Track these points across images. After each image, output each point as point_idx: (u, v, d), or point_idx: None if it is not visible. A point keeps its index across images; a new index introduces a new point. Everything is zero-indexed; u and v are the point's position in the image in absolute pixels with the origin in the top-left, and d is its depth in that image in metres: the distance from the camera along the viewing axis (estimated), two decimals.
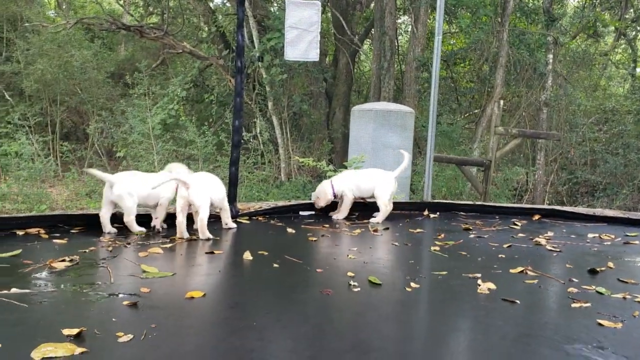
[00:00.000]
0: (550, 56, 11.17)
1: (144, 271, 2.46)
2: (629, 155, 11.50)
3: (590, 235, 3.64)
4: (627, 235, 3.63)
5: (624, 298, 2.28)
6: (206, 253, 2.89)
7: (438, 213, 4.51)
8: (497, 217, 4.36)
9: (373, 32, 13.39)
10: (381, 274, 2.55)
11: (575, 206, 11.29)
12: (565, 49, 12.50)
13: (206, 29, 14.26)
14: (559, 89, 11.60)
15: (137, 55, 15.30)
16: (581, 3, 13.83)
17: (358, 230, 3.72)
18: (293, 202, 4.63)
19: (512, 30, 10.69)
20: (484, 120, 11.21)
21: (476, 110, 13.64)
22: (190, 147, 10.05)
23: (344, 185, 4.19)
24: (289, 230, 3.64)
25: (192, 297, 2.12)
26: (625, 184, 11.40)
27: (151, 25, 13.71)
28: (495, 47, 10.66)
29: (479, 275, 2.56)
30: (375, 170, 4.43)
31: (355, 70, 15.29)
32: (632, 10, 13.82)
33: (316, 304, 2.15)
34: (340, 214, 4.17)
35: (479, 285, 2.40)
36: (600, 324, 1.95)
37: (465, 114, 14.28)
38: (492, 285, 2.39)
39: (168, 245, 3.04)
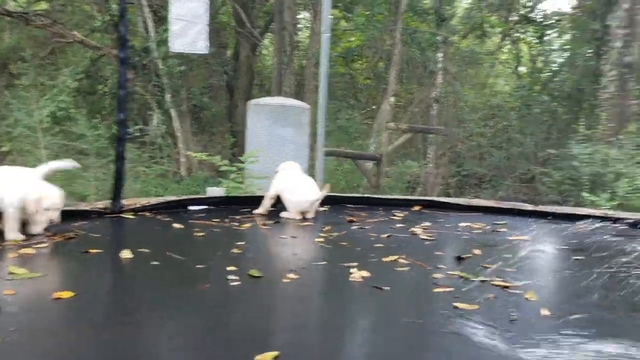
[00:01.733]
0: (441, 55, 11.77)
1: (11, 273, 2.35)
2: (511, 149, 12.37)
3: (462, 225, 3.90)
4: (496, 224, 3.94)
5: (483, 282, 2.49)
6: (82, 252, 2.81)
7: (328, 206, 4.63)
8: (381, 209, 4.55)
9: (273, 26, 13.43)
10: (263, 267, 2.61)
11: (464, 197, 12.02)
12: (455, 48, 13.21)
13: (99, 17, 13.63)
14: (448, 86, 12.24)
15: (24, 43, 14.33)
16: (470, 5, 14.65)
17: (247, 225, 3.76)
18: (183, 197, 4.58)
19: (405, 29, 11.15)
20: (379, 116, 11.62)
21: (374, 107, 14.11)
22: (81, 141, 9.60)
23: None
24: (176, 225, 3.61)
25: (60, 298, 2.06)
26: (507, 176, 12.25)
27: (38, 12, 12.89)
28: (389, 45, 11.05)
29: (355, 264, 2.68)
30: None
31: (258, 63, 15.26)
32: (515, 13, 14.82)
33: (192, 299, 2.17)
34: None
35: (352, 273, 2.51)
36: (456, 307, 2.12)
37: (362, 110, 14.70)
38: (365, 274, 2.52)
39: (42, 246, 2.92)
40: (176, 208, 4.22)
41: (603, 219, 4.15)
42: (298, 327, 1.95)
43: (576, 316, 2.05)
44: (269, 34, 15.29)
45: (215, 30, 13.90)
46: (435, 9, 11.64)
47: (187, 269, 2.59)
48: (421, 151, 13.27)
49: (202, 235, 3.36)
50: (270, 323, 1.98)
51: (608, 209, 7.35)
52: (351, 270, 2.56)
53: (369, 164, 11.29)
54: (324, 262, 2.73)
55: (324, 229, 3.64)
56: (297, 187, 4.15)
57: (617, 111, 9.82)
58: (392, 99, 8.60)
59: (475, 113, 13.66)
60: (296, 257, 2.93)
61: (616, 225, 4.00)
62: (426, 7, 12.04)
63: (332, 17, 13.25)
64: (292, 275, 2.47)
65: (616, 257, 3.03)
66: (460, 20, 14.16)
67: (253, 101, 7.31)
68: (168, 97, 11.48)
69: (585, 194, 7.82)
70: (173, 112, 11.73)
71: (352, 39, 15.29)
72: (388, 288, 2.32)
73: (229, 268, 2.54)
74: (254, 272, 2.48)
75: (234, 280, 2.36)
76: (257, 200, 4.31)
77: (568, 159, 9.49)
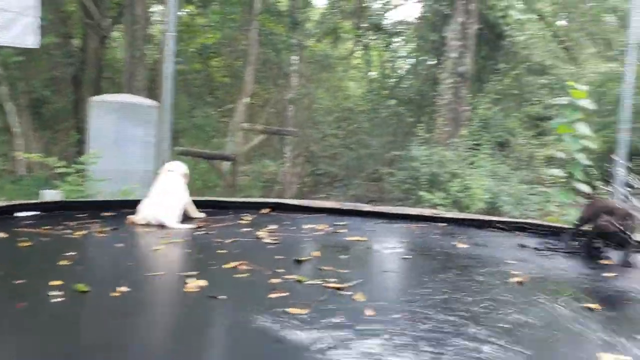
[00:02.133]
0: (296, 57, 12.05)
1: None
2: (361, 150, 13.04)
3: (306, 227, 4.03)
4: (336, 225, 4.12)
5: (317, 285, 2.59)
6: None
7: None
8: (230, 212, 4.55)
9: (124, 19, 12.79)
10: (92, 280, 2.48)
11: (319, 195, 12.45)
12: (310, 51, 13.58)
13: None
14: (303, 88, 12.56)
15: None
16: (324, 10, 15.14)
17: (82, 232, 3.55)
18: (11, 202, 4.21)
19: (261, 29, 11.23)
20: (235, 115, 11.59)
21: (231, 105, 14.03)
22: None
23: None
24: None
25: None
26: (358, 175, 12.87)
27: None
28: (245, 44, 11.08)
29: (194, 272, 2.65)
30: None
31: (109, 56, 14.44)
32: (365, 21, 15.57)
33: (6, 321, 2.01)
34: None
35: (187, 283, 2.49)
36: (287, 312, 2.18)
37: (220, 108, 14.56)
38: (203, 283, 2.50)
39: None
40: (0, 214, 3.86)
41: (434, 218, 4.52)
42: (113, 346, 1.88)
43: (397, 315, 2.22)
44: (120, 25, 14.55)
45: (61, 19, 12.94)
46: (290, 12, 11.88)
47: (4, 285, 2.38)
48: (278, 151, 13.49)
49: (28, 246, 3.11)
50: (84, 342, 1.89)
51: (442, 206, 8.04)
52: (187, 280, 2.53)
53: (226, 164, 11.21)
54: (160, 273, 2.67)
55: (166, 236, 3.56)
56: (150, 196, 4.00)
57: (452, 116, 10.74)
58: (246, 99, 8.62)
59: (329, 115, 14.20)
60: (131, 268, 2.83)
61: (444, 224, 4.38)
62: (281, 10, 12.24)
63: (187, 12, 13.00)
64: (122, 289, 2.37)
65: (440, 256, 3.32)
66: (315, 24, 14.57)
67: (95, 98, 6.93)
68: (3, 89, 10.47)
69: (422, 193, 8.46)
70: (9, 106, 10.72)
71: (209, 35, 15.09)
72: (224, 297, 2.33)
73: (53, 282, 2.38)
74: (81, 287, 2.35)
75: (56, 297, 2.22)
76: (96, 205, 4.10)
77: (410, 160, 10.20)
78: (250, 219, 4.30)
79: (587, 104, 5.37)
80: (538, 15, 12.89)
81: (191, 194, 4.28)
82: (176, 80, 12.16)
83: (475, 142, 9.79)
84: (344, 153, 13.19)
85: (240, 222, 4.16)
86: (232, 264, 2.87)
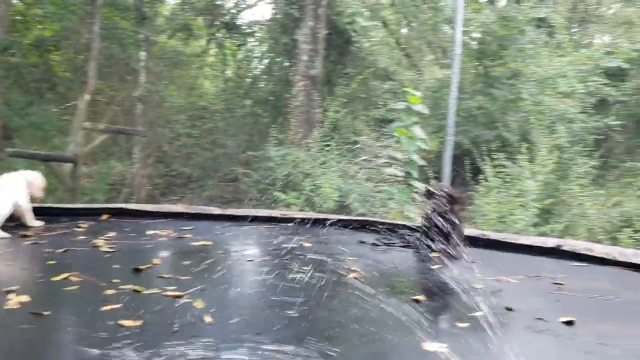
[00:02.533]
0: (144, 53, 11.57)
1: None
2: (216, 150, 12.90)
3: (149, 232, 3.90)
4: (182, 230, 4.04)
5: (155, 294, 2.53)
6: None
7: None
8: (65, 219, 4.26)
9: None
10: None
11: (171, 197, 12.08)
12: (160, 47, 13.12)
13: None
14: (152, 85, 12.11)
15: None
16: (174, 6, 14.72)
17: None
18: None
19: (106, 23, 10.62)
20: (78, 113, 10.84)
21: (75, 102, 13.10)
22: None
23: None
24: None
25: None
26: (213, 176, 12.71)
27: None
28: (87, 38, 10.42)
29: (15, 287, 2.45)
30: None
31: None
32: (218, 19, 15.39)
33: None
34: None
35: (9, 300, 2.30)
36: (120, 325, 2.10)
37: (60, 106, 13.52)
38: (25, 298, 2.33)
39: None
40: None
41: (284, 219, 4.61)
42: None
43: (235, 320, 2.24)
44: None
45: None
46: (136, 6, 11.38)
47: None
48: (126, 151, 12.84)
49: None
50: None
51: (295, 206, 8.24)
52: (9, 296, 2.33)
53: (67, 166, 10.45)
54: None
55: None
56: None
57: (305, 118, 11.03)
58: (89, 96, 8.12)
59: (182, 114, 13.84)
60: None
61: (292, 224, 4.49)
62: (128, 4, 11.67)
63: (19, 1, 11.90)
64: None
65: (285, 256, 3.40)
66: (165, 20, 14.12)
67: None
68: None
69: (276, 193, 8.60)
70: None
71: (46, 27, 13.93)
72: (48, 312, 2.19)
73: None
74: None
75: None
76: None
77: (265, 160, 10.30)
78: (87, 226, 4.05)
79: (422, 108, 5.82)
80: (382, 23, 13.66)
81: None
82: (7, 74, 11.13)
83: (326, 143, 10.13)
84: (199, 153, 12.96)
85: (76, 230, 3.91)
86: (62, 276, 2.70)
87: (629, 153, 10.53)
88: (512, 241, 4.00)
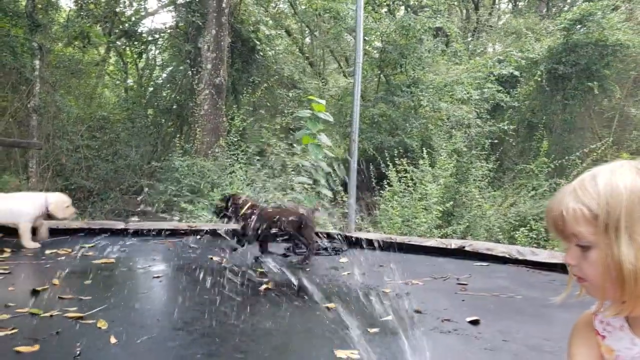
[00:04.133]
0: (37, 62, 10.94)
1: None
2: (118, 161, 12.39)
3: (48, 252, 3.71)
4: (83, 247, 3.87)
5: (55, 316, 2.41)
6: None
7: None
8: None
9: None
10: None
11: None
12: (55, 56, 12.45)
13: None
14: (48, 96, 11.47)
15: None
16: (69, 13, 14.04)
17: None
18: None
19: None
20: None
21: None
22: None
23: None
24: None
25: None
26: (115, 188, 12.21)
27: None
28: None
29: None
30: None
31: None
32: (117, 27, 14.86)
33: None
34: None
35: None
36: (16, 351, 1.99)
37: None
38: None
39: None
40: None
41: (190, 232, 4.54)
42: None
43: (142, 339, 2.18)
44: None
45: None
46: (28, 12, 10.74)
47: None
48: (21, 164, 12.06)
49: None
50: None
51: (204, 217, 8.10)
52: None
53: None
54: None
55: None
56: None
57: (211, 127, 10.89)
58: None
59: (81, 124, 13.18)
60: None
61: (198, 236, 4.43)
62: (19, 10, 10.98)
63: None
64: None
65: (193, 270, 3.35)
66: (61, 27, 13.41)
67: None
68: None
69: (183, 205, 8.41)
70: None
71: None
72: None
73: None
74: None
75: None
76: None
77: (171, 170, 10.04)
78: None
79: (326, 116, 5.93)
80: (286, 32, 13.79)
81: None
82: None
83: (233, 153, 10.04)
84: (100, 165, 12.40)
85: None
86: None
87: (521, 156, 11.26)
88: (418, 243, 4.18)
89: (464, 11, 14.88)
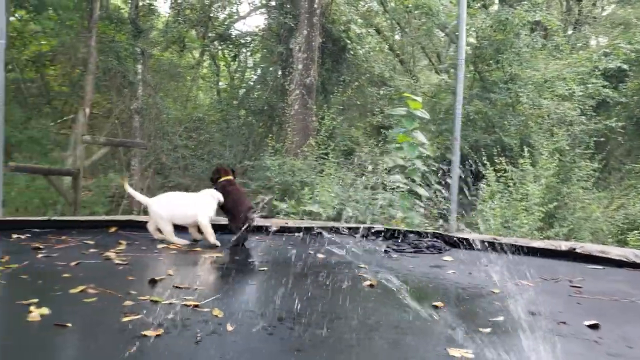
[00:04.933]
0: (140, 66, 11.59)
1: None
2: (213, 160, 12.89)
3: (160, 246, 3.90)
4: (194, 242, 4.04)
5: (171, 304, 2.52)
6: None
7: (12, 233, 4.11)
8: (74, 232, 4.25)
9: None
10: None
11: None
12: (155, 60, 13.14)
13: None
14: (149, 98, 12.11)
15: None
16: (168, 19, 14.75)
17: None
18: None
19: (102, 37, 10.64)
20: (76, 126, 10.82)
21: (72, 116, 13.08)
22: None
23: None
24: None
25: None
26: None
27: None
28: (84, 52, 10.43)
29: (35, 300, 2.44)
30: None
31: None
32: (212, 31, 15.43)
33: None
34: None
35: (31, 312, 2.29)
36: (144, 335, 2.10)
37: (58, 120, 13.50)
38: (45, 311, 2.31)
39: None
40: None
41: (287, 228, 4.61)
42: None
43: (257, 328, 2.24)
44: None
45: None
46: (132, 19, 11.40)
47: None
48: (125, 163, 12.83)
49: None
50: None
51: (294, 214, 8.22)
52: (31, 308, 2.32)
53: (68, 179, 10.43)
54: None
55: (1, 260, 3.23)
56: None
57: (301, 127, 11.04)
58: (87, 110, 8.10)
59: (179, 125, 13.83)
60: None
61: (296, 233, 4.50)
62: (122, 17, 11.69)
63: (18, 17, 11.88)
64: None
65: (294, 264, 3.41)
66: (160, 32, 14.13)
67: None
68: None
69: (275, 202, 8.58)
70: None
71: (44, 42, 13.93)
72: (70, 325, 2.18)
73: None
74: None
75: None
76: None
77: (262, 169, 10.29)
78: (96, 238, 4.05)
79: (423, 113, 5.84)
80: (375, 30, 13.75)
81: (29, 213, 3.94)
82: (6, 89, 11.09)
83: (322, 152, 10.14)
84: (196, 164, 12.94)
85: (86, 242, 3.90)
86: (79, 288, 2.69)
87: (629, 155, 10.58)
88: (525, 244, 4.02)
89: (564, 3, 14.17)
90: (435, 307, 2.63)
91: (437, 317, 2.48)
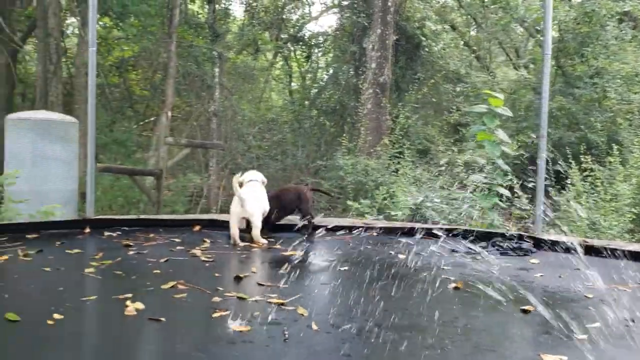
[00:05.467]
0: (217, 69, 11.93)
1: None
2: (286, 160, 13.09)
3: (242, 244, 3.97)
4: (270, 240, 4.10)
5: (256, 301, 2.56)
6: None
7: (104, 230, 4.34)
8: (160, 230, 4.42)
9: (37, 32, 12.16)
10: (21, 308, 2.33)
11: None
12: (231, 63, 13.49)
13: None
14: (225, 100, 12.44)
15: None
16: (243, 22, 15.09)
17: (5, 257, 3.33)
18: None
19: (181, 42, 11.05)
20: (157, 129, 11.30)
21: (153, 118, 13.66)
22: None
23: None
24: None
25: None
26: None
27: None
28: (164, 57, 10.85)
29: (129, 295, 2.55)
30: None
31: (22, 71, 13.66)
32: (284, 32, 15.66)
33: None
34: None
35: (127, 306, 2.39)
36: (234, 330, 2.14)
37: (140, 122, 14.15)
38: (140, 305, 2.41)
39: None
40: None
41: (365, 228, 4.59)
42: None
43: (344, 328, 2.23)
44: (32, 39, 13.79)
45: None
46: (209, 24, 11.75)
47: None
48: (203, 163, 13.25)
49: None
50: None
51: (369, 214, 8.18)
52: (127, 303, 2.43)
53: (149, 179, 10.91)
54: (93, 297, 2.55)
55: (95, 257, 3.40)
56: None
57: (374, 126, 10.98)
58: (168, 113, 8.44)
59: (253, 127, 14.14)
60: (62, 293, 2.68)
61: (375, 233, 4.47)
62: (200, 22, 12.08)
63: (102, 24, 12.54)
64: (57, 316, 2.24)
65: (376, 265, 3.38)
66: (235, 36, 14.49)
67: (12, 115, 6.54)
68: None
69: (349, 202, 8.58)
70: None
71: (126, 48, 14.63)
72: (164, 319, 2.26)
73: None
74: (10, 316, 2.20)
75: None
76: (17, 228, 3.87)
77: (335, 169, 10.32)
78: (182, 236, 4.20)
79: (504, 111, 5.64)
80: (450, 26, 13.47)
81: (114, 211, 4.13)
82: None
83: (397, 151, 10.04)
84: (270, 164, 13.17)
85: (173, 240, 4.05)
86: (170, 284, 2.79)
87: None
88: (620, 248, 3.80)
89: None
90: (525, 310, 2.53)
91: (527, 321, 2.38)
